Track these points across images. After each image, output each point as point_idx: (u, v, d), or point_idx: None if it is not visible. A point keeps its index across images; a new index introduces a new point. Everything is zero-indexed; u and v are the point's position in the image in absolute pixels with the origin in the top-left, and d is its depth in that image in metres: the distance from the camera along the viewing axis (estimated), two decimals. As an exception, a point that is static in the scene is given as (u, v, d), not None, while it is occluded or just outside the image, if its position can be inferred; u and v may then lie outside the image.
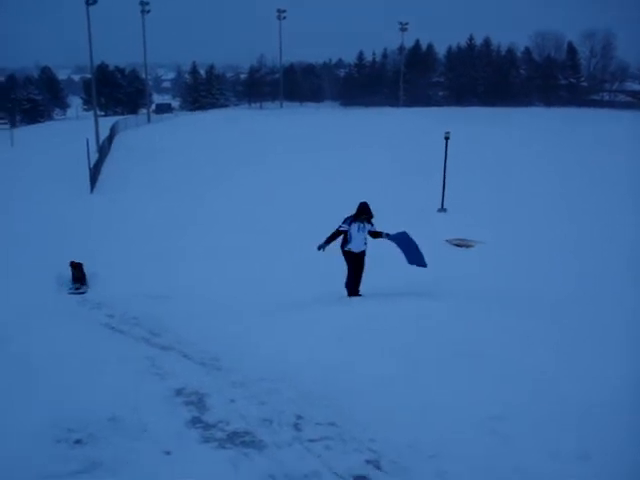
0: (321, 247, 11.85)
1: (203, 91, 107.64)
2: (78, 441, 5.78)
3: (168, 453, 5.43)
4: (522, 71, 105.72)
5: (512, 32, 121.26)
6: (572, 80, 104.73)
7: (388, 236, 12.18)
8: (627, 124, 59.45)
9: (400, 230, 12.46)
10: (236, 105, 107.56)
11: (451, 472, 4.95)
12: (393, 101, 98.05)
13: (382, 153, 41.59)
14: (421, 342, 8.13)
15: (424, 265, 12.20)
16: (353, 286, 12.18)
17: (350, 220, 11.93)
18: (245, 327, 9.92)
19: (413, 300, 11.01)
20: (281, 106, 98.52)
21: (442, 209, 27.25)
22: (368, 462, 5.13)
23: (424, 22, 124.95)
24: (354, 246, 11.94)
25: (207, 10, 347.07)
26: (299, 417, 6.05)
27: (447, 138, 28.73)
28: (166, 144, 49.49)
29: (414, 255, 12.22)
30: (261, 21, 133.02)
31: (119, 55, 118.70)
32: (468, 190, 29.37)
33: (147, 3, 74.10)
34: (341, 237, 12.02)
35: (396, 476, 4.91)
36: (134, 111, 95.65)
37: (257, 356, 8.18)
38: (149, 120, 75.65)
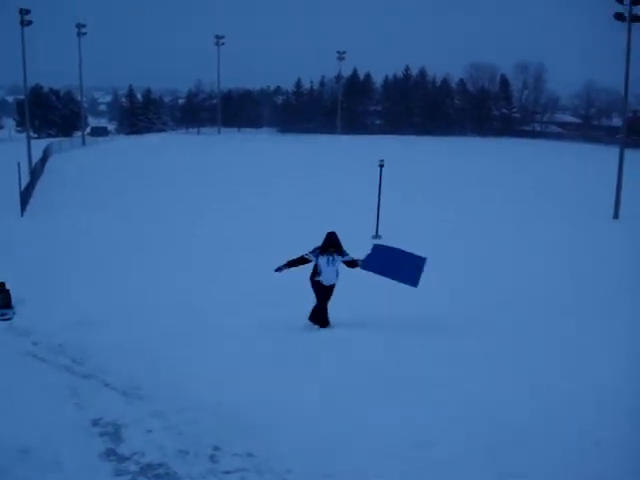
0: (279, 269, 11.41)
1: (140, 115, 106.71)
2: (-14, 475, 5.56)
3: (78, 487, 5.26)
4: (457, 101, 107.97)
5: (447, 63, 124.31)
6: (505, 111, 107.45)
7: (363, 264, 11.55)
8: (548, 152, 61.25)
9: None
10: (173, 130, 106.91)
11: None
12: (331, 128, 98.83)
13: (319, 181, 41.81)
14: (349, 371, 8.11)
15: (414, 284, 11.55)
16: (322, 316, 11.60)
17: (317, 252, 11.40)
18: (172, 356, 9.71)
19: (345, 329, 11.01)
20: (219, 132, 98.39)
21: (377, 236, 27.45)
22: (282, 495, 5.07)
23: (362, 51, 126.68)
24: (325, 279, 11.41)
25: (145, 34, 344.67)
26: (216, 448, 5.93)
27: (381, 166, 29.03)
28: (100, 168, 48.78)
29: (404, 270, 11.57)
30: (199, 46, 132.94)
31: (55, 77, 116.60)
32: (402, 216, 29.67)
33: (83, 25, 73.47)
34: (310, 265, 11.48)
35: (308, 508, 4.85)
36: (69, 134, 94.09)
37: (180, 385, 8.01)
38: (84, 143, 74.66)
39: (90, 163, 51.75)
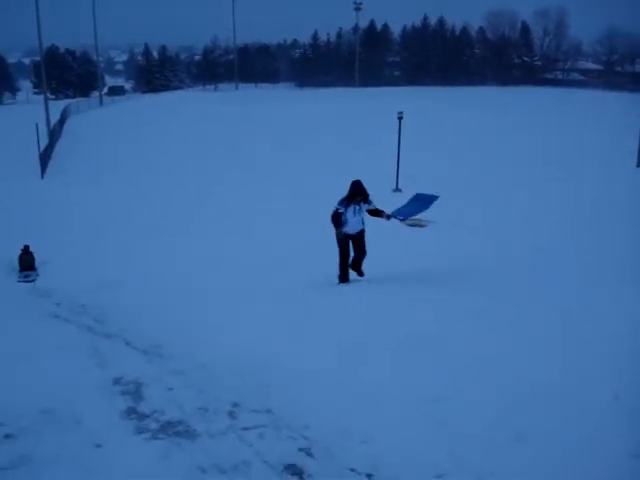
0: (339, 234, 11.12)
1: (157, 73, 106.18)
2: (8, 435, 5.61)
3: (99, 446, 5.29)
4: (476, 50, 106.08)
5: (466, 11, 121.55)
6: (526, 59, 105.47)
7: (389, 218, 11.43)
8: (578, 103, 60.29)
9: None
10: (190, 87, 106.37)
11: (382, 457, 4.92)
12: (349, 81, 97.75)
13: (339, 134, 41.55)
14: (369, 328, 8.06)
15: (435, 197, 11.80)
16: (346, 271, 11.48)
17: (345, 203, 11.12)
18: (191, 316, 9.75)
19: (365, 284, 10.98)
20: (236, 88, 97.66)
21: (397, 189, 27.32)
22: (300, 450, 5.06)
23: (379, 1, 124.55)
24: (350, 228, 11.18)
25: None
26: (235, 405, 5.94)
27: (400, 118, 28.77)
28: (118, 128, 48.75)
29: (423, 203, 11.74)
30: (215, 1, 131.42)
31: (70, 37, 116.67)
32: (423, 169, 29.46)
33: (98, -16, 72.84)
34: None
35: (326, 463, 4.86)
36: (86, 94, 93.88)
37: (199, 344, 8.04)
38: (101, 103, 74.53)
39: (107, 124, 51.70)
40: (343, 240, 11.30)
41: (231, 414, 5.76)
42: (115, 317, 10.42)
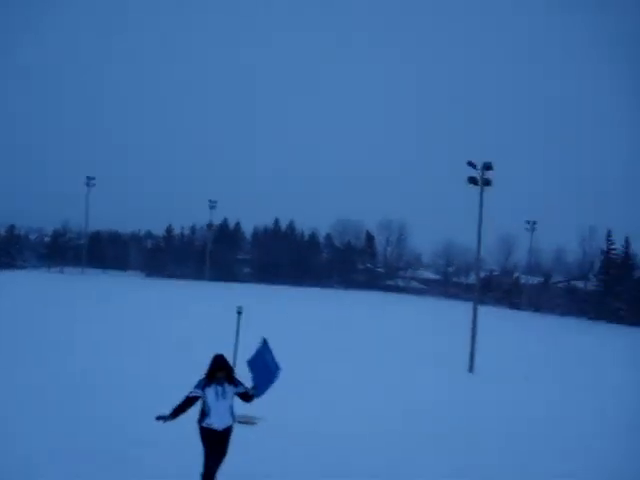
0: (162, 419, 8.83)
1: (1, 250, 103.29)
2: None
3: None
4: (324, 254, 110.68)
5: (315, 217, 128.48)
6: (369, 265, 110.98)
7: (256, 390, 9.38)
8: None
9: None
10: (35, 267, 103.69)
11: None
12: (199, 274, 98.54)
13: (179, 333, 40.96)
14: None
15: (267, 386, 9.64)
16: (210, 478, 9.07)
17: (203, 383, 8.99)
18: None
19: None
20: (82, 272, 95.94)
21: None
22: None
23: (233, 201, 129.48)
24: (216, 421, 8.93)
25: (14, 168, 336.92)
26: None
27: (239, 313, 28.75)
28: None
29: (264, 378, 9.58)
30: (69, 185, 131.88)
31: None
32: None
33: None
34: (198, 408, 9.10)
35: None
36: None
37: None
38: None
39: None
40: (207, 435, 9.03)
41: None
42: None
